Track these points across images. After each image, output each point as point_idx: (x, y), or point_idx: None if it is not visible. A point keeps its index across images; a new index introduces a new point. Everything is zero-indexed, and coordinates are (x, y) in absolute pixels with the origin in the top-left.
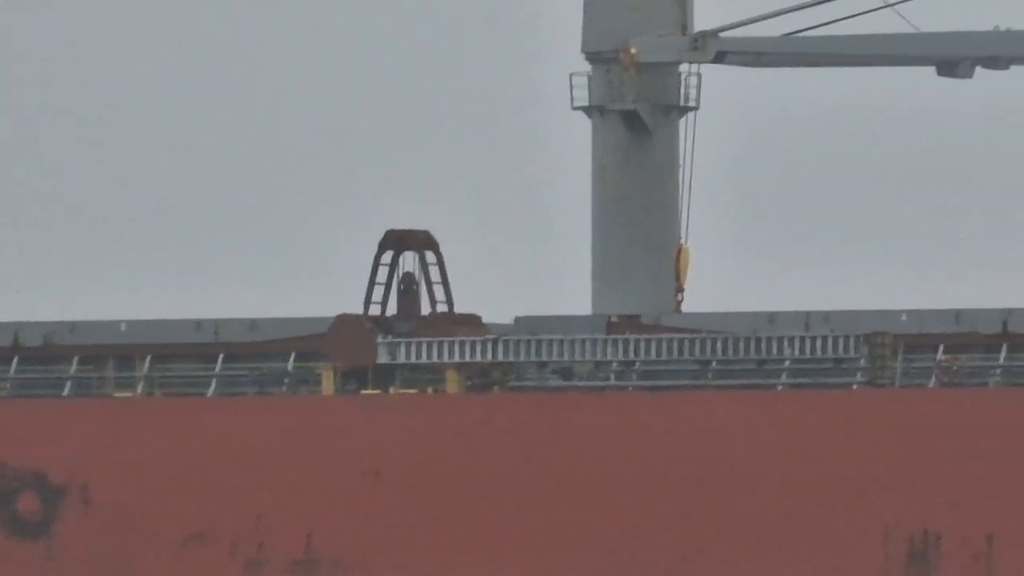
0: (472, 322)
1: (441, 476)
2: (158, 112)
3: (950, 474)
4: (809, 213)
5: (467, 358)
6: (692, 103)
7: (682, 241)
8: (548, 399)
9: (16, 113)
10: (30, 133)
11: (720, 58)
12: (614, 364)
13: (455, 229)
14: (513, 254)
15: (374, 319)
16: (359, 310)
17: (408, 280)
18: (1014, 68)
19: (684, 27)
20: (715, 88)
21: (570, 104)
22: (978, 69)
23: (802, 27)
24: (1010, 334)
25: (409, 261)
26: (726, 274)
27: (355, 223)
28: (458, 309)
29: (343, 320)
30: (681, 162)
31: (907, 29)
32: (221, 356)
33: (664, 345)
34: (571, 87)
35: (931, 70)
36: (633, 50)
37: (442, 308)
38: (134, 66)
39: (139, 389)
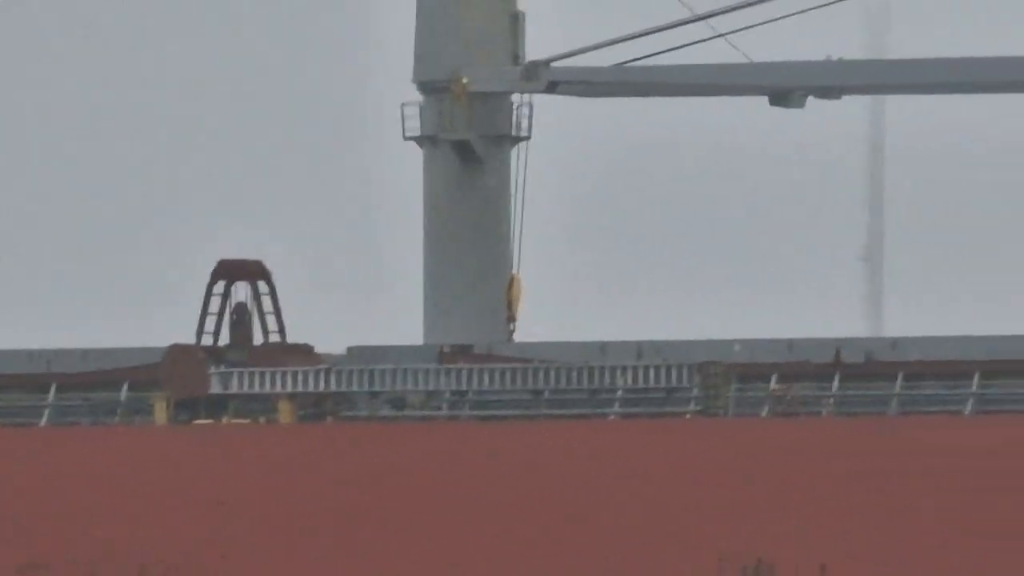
0: (304, 352)
1: (273, 506)
2: None
3: (783, 503)
4: (642, 243)
5: (300, 388)
6: (524, 133)
7: (514, 271)
8: (380, 429)
9: None
10: None
11: (552, 88)
12: (446, 394)
13: (288, 259)
14: (346, 284)
15: (207, 349)
16: (192, 340)
17: (240, 310)
18: (846, 98)
19: (516, 57)
20: (547, 118)
21: (402, 134)
22: (810, 99)
23: (634, 57)
24: (842, 363)
25: (242, 291)
26: (558, 304)
27: (188, 253)
28: (291, 339)
29: (176, 350)
30: (513, 192)
31: (740, 59)
32: (53, 386)
33: (496, 375)
34: (403, 117)
35: (764, 100)
36: (465, 80)
37: (275, 338)
38: None
39: None
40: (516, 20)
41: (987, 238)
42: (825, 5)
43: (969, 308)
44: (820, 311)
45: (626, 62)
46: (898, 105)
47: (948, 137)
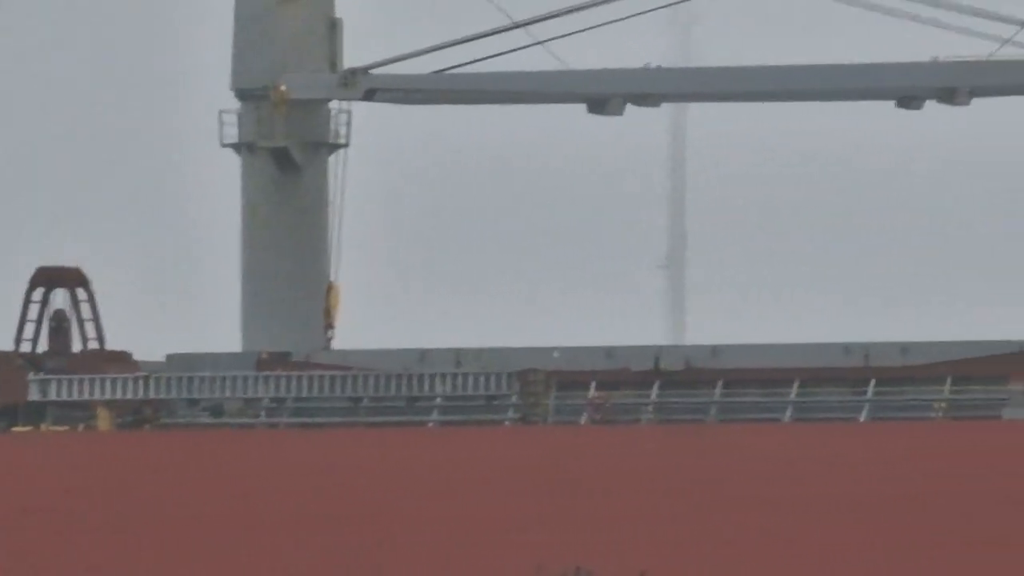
0: (122, 359)
1: (91, 514)
2: None
3: (603, 511)
4: (460, 250)
5: (118, 395)
6: (342, 140)
7: (332, 278)
8: (198, 436)
9: None
10: None
11: (370, 95)
12: (264, 401)
13: (106, 266)
14: (164, 291)
15: (25, 356)
16: (10, 347)
17: (59, 317)
18: (665, 106)
19: (334, 64)
20: (367, 125)
21: (220, 141)
22: (629, 106)
23: (453, 64)
24: (661, 371)
25: (60, 298)
26: (377, 311)
27: (4, 260)
28: (109, 346)
29: None
30: (331, 199)
31: (558, 66)
32: None
33: (315, 382)
34: (221, 124)
35: (582, 107)
36: (283, 87)
37: (93, 345)
38: None
39: None
40: (334, 27)
41: (788, 246)
42: (643, 13)
43: (770, 315)
44: (639, 318)
45: (444, 69)
46: (702, 113)
47: (751, 144)
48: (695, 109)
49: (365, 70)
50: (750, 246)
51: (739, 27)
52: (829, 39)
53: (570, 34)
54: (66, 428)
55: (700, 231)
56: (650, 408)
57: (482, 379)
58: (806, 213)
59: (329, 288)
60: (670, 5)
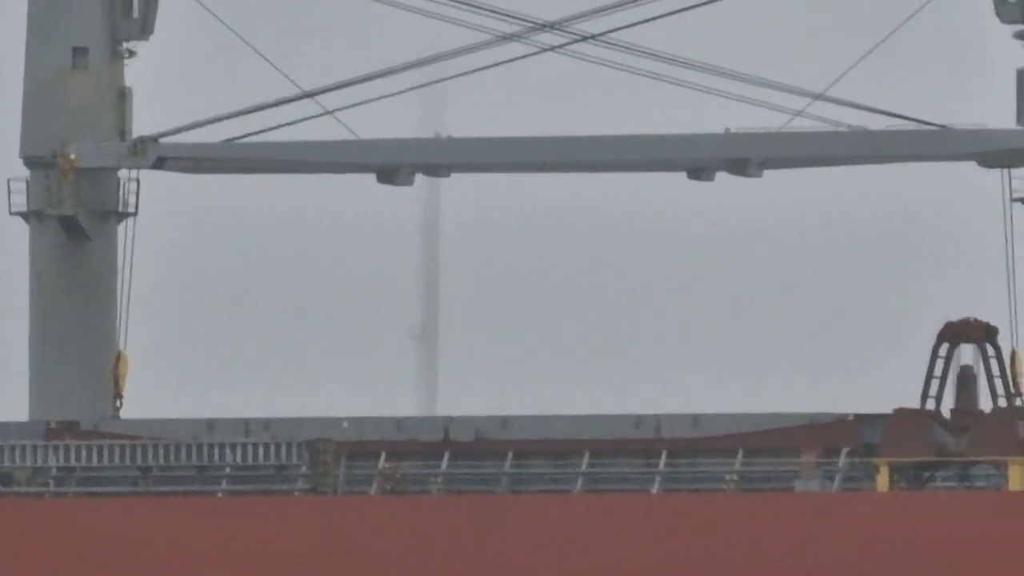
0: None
1: None
2: None
3: None
4: (249, 320)
5: None
6: (131, 209)
7: (121, 347)
8: None
9: None
10: None
11: (160, 164)
12: (53, 470)
13: None
14: None
15: None
16: None
17: None
18: (455, 176)
19: (123, 132)
20: (157, 193)
21: (8, 209)
22: (418, 176)
23: (244, 133)
24: (451, 441)
25: None
26: (165, 380)
27: None
28: None
29: None
30: (120, 268)
31: (347, 136)
32: None
33: (104, 451)
34: (9, 192)
35: (372, 177)
36: (72, 155)
37: None
38: None
39: None
40: (123, 95)
41: (541, 317)
42: (435, 82)
43: (525, 387)
44: (428, 389)
45: (235, 138)
46: (455, 184)
47: (529, 214)
48: (453, 180)
49: (155, 139)
50: (503, 318)
51: (531, 97)
52: (621, 110)
53: (361, 103)
54: None
55: (452, 302)
56: (440, 479)
57: (272, 449)
58: (597, 284)
59: (117, 357)
60: (464, 75)
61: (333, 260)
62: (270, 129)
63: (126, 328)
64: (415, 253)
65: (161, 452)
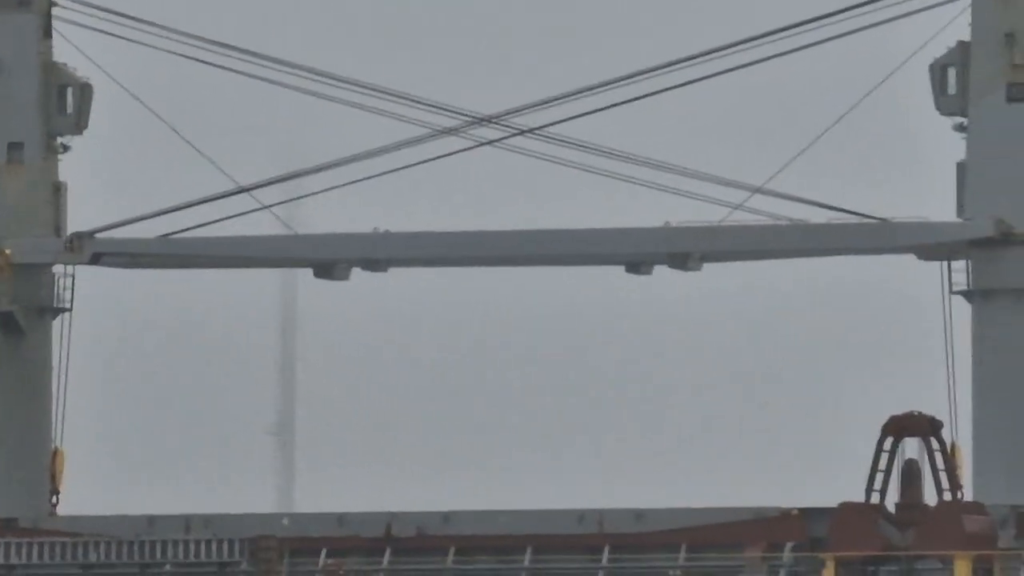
0: None
1: None
2: None
3: None
4: (184, 415)
5: None
6: (66, 304)
7: (57, 443)
8: None
9: None
10: None
11: (96, 259)
12: None
13: None
14: None
15: None
16: None
17: None
18: (392, 270)
19: (58, 228)
20: (93, 289)
21: None
22: (356, 271)
23: (182, 228)
24: (393, 537)
25: None
26: (104, 477)
27: None
28: None
29: None
30: (55, 364)
31: (285, 231)
32: None
33: (46, 549)
34: None
35: (309, 271)
36: (7, 251)
37: None
38: None
39: None
40: (58, 191)
41: (398, 416)
42: (372, 177)
43: (384, 482)
44: (370, 485)
45: (171, 233)
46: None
47: (470, 309)
48: (306, 275)
49: (90, 234)
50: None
51: (470, 191)
52: (560, 204)
53: (299, 197)
54: None
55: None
56: (382, 575)
57: (214, 545)
58: (540, 377)
59: (54, 453)
60: (403, 168)
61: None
62: (207, 224)
63: (62, 424)
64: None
65: (103, 549)
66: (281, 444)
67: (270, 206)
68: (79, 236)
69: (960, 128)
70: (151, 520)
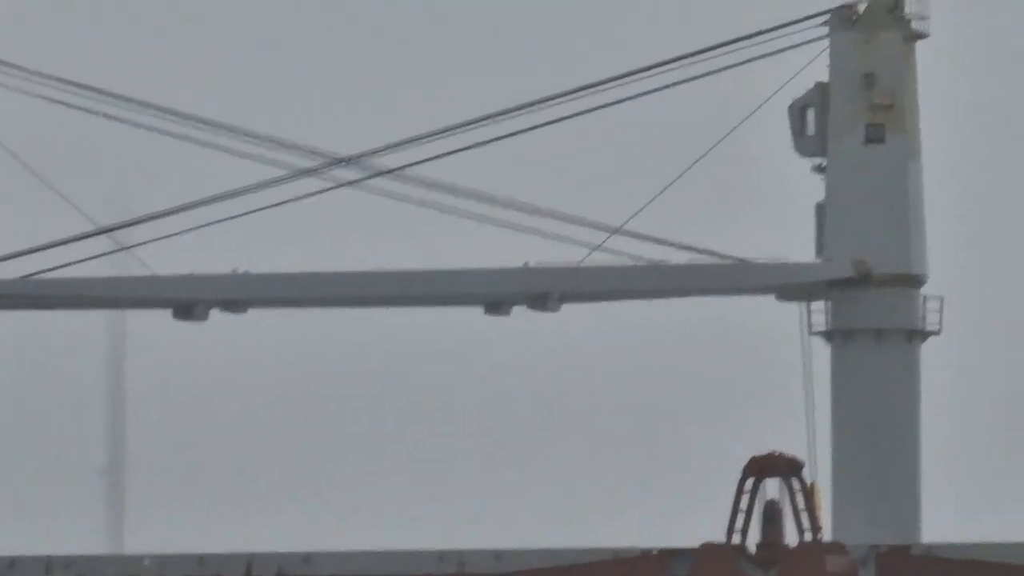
0: None
1: None
2: None
3: None
4: (39, 453)
5: None
6: None
7: None
8: None
9: None
10: None
11: None
12: None
13: None
14: None
15: None
16: None
17: None
18: (252, 311)
19: None
20: None
21: None
22: (216, 312)
23: (40, 269)
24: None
25: None
26: None
27: None
28: None
29: None
30: None
31: (145, 272)
32: None
33: None
34: None
35: (168, 313)
36: None
37: None
38: None
39: None
40: None
41: (258, 456)
42: (233, 217)
43: (245, 523)
44: (232, 524)
45: (30, 275)
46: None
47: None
48: (139, 315)
49: None
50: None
51: (329, 232)
52: (419, 244)
53: (159, 239)
54: None
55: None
56: None
57: None
58: (396, 416)
59: None
60: (262, 209)
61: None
62: (66, 265)
63: None
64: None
65: None
66: (111, 484)
67: (130, 247)
68: None
69: (819, 169)
70: (12, 562)
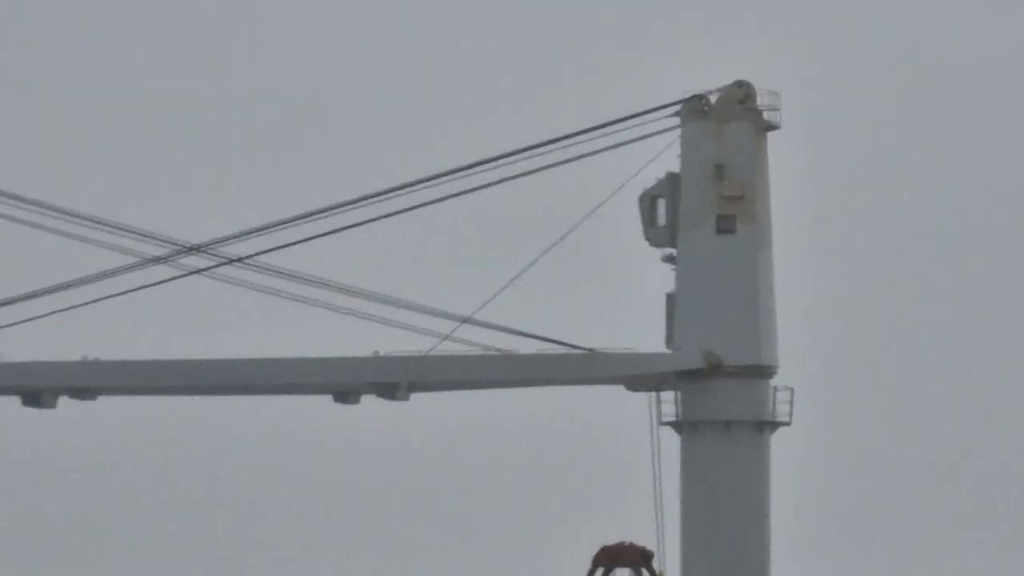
0: None
1: None
2: None
3: None
4: None
5: None
6: None
7: None
8: None
9: None
10: None
11: None
12: None
13: None
14: None
15: None
16: None
17: None
18: (101, 399)
19: None
20: None
21: None
22: (65, 399)
23: None
24: None
25: None
26: None
27: None
28: None
29: None
30: None
31: None
32: None
33: None
34: None
35: (17, 399)
36: None
37: None
38: None
39: None
40: None
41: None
42: (81, 305)
43: None
44: None
45: None
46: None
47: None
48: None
49: None
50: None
51: (178, 320)
52: (269, 332)
53: (5, 326)
54: None
55: None
56: None
57: None
58: (230, 508)
59: None
60: (111, 297)
61: None
62: None
63: None
64: None
65: None
66: None
67: None
68: None
69: (669, 259)
70: None
